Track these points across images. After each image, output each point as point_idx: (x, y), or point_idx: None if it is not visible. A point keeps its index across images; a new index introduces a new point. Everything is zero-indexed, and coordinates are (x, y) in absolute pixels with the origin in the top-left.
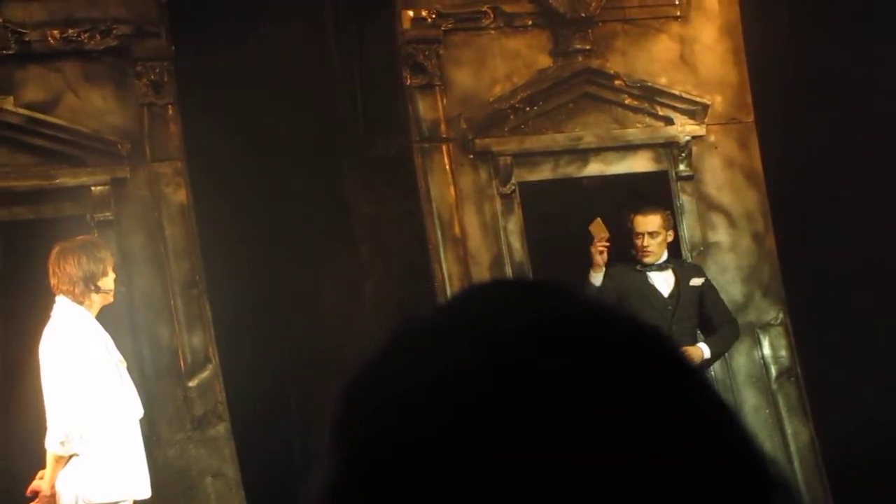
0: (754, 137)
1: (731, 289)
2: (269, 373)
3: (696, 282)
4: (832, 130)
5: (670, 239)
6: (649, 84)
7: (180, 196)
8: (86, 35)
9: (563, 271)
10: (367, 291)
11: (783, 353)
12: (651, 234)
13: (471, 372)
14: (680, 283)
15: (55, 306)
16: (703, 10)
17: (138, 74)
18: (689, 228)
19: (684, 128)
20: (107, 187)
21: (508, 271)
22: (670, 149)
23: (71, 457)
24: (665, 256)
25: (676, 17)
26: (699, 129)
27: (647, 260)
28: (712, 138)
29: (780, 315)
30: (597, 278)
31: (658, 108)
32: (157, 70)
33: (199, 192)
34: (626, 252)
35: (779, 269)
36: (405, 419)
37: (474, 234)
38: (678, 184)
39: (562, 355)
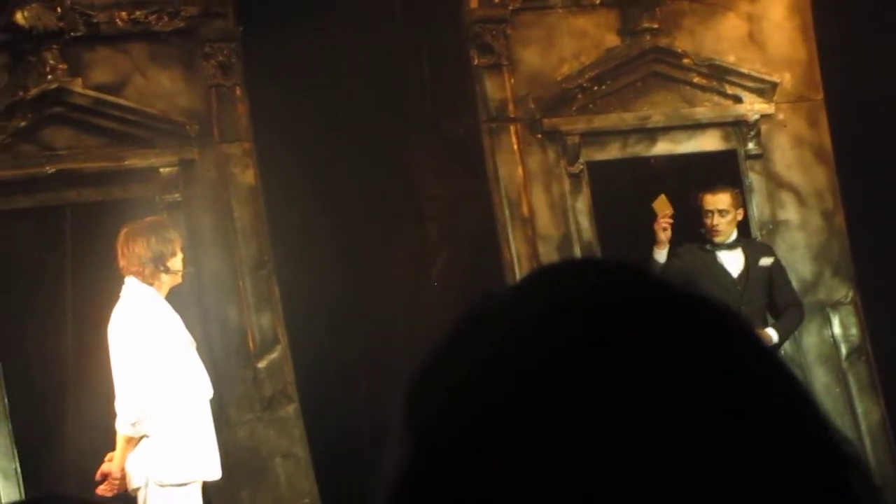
0: (823, 115)
1: (800, 267)
2: (337, 353)
3: (766, 262)
4: None
5: (740, 217)
6: (717, 62)
7: (248, 177)
8: (153, 17)
9: (631, 250)
10: (436, 271)
11: (853, 331)
12: (720, 212)
13: (541, 355)
14: (749, 263)
15: (124, 287)
16: None
17: (206, 56)
18: (758, 207)
19: (753, 106)
20: (175, 169)
21: (577, 251)
22: (739, 127)
23: (141, 438)
24: (735, 235)
25: None
26: (768, 108)
27: (717, 239)
28: (781, 116)
29: (850, 293)
30: (661, 255)
31: (726, 86)
32: (225, 51)
33: (267, 173)
34: (695, 231)
35: (848, 247)
36: (476, 404)
37: (542, 213)
38: (747, 162)
39: (634, 336)
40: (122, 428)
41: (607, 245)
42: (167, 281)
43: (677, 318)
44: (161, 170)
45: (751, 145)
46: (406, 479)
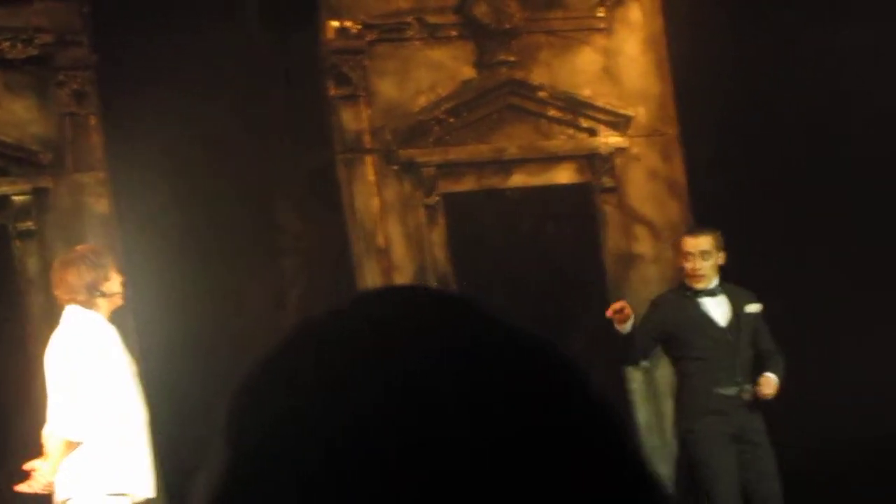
0: (677, 149)
1: None
2: (192, 385)
3: (753, 308)
4: (756, 142)
5: (721, 262)
6: (573, 96)
7: (102, 206)
8: (7, 44)
9: (487, 281)
10: (292, 304)
11: None
12: (703, 254)
13: (356, 384)
14: (736, 310)
15: (64, 314)
16: (627, 23)
17: (60, 84)
18: (611, 240)
19: (607, 140)
20: (28, 197)
21: (432, 282)
22: (593, 160)
23: (78, 444)
24: (716, 281)
25: (600, 29)
26: (622, 141)
27: (699, 285)
28: (635, 150)
29: None
30: (625, 327)
31: (581, 119)
32: (79, 79)
33: (123, 203)
34: (675, 278)
35: None
36: (290, 431)
37: (398, 244)
38: (601, 195)
39: (451, 370)
40: (63, 431)
41: (463, 277)
42: (105, 305)
43: (498, 355)
44: (14, 198)
45: (605, 178)
46: (219, 491)
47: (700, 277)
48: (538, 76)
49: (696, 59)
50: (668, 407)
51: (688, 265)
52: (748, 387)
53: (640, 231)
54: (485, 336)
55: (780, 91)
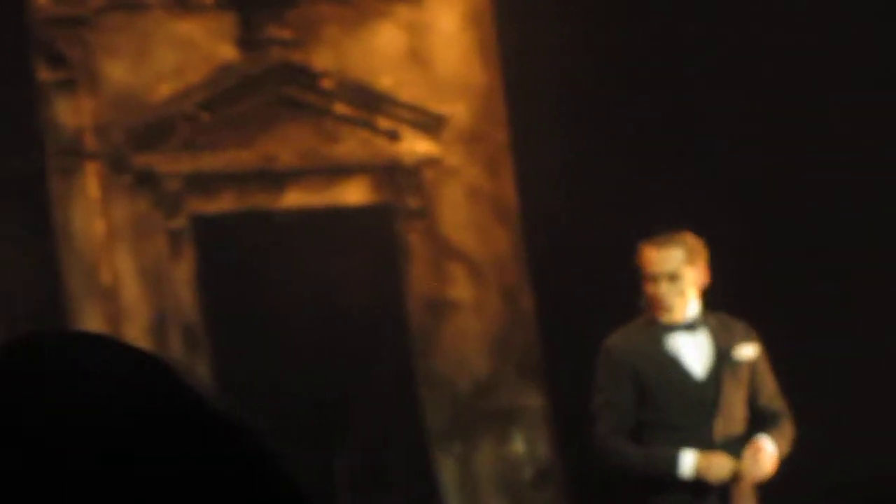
0: (508, 161)
1: (474, 363)
2: None
3: (747, 352)
4: (608, 153)
5: (702, 282)
6: (368, 87)
7: None
8: None
9: (248, 333)
10: None
11: (541, 448)
12: (670, 277)
13: None
14: (721, 353)
15: None
16: None
17: None
18: (418, 281)
19: (414, 147)
20: None
21: (175, 333)
22: (395, 174)
23: None
24: (695, 310)
25: None
26: (434, 150)
27: (664, 318)
28: (452, 161)
29: (539, 399)
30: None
31: (379, 119)
32: None
33: None
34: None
35: (538, 336)
36: None
37: (130, 283)
38: (405, 221)
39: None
40: None
41: (216, 326)
42: None
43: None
44: None
45: (410, 198)
46: None
47: (665, 308)
48: (322, 60)
49: (533, 41)
50: None
51: (649, 290)
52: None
53: (456, 269)
54: (164, 407)
55: (641, 81)
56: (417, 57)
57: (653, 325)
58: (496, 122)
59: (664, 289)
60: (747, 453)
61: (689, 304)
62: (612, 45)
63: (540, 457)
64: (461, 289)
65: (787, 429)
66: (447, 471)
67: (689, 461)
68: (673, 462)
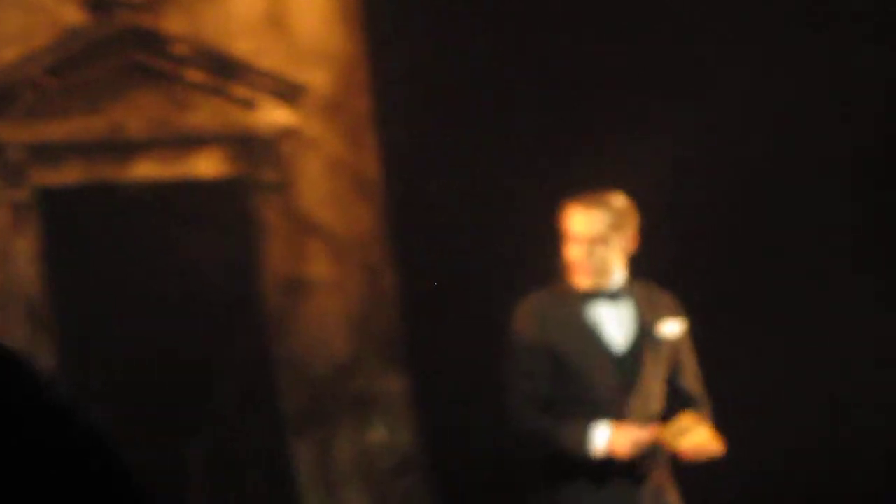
0: (371, 133)
1: (334, 345)
2: None
3: (672, 328)
4: (475, 124)
5: (630, 249)
6: (223, 53)
7: None
8: None
9: (95, 311)
10: None
11: (404, 435)
12: (592, 241)
13: None
14: (644, 326)
15: None
16: None
17: None
18: (275, 259)
19: (271, 116)
20: None
21: (18, 312)
22: (251, 146)
23: None
24: (620, 277)
25: None
26: (293, 120)
27: (584, 285)
28: (311, 132)
29: (401, 382)
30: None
31: (234, 87)
32: None
33: None
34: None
35: (400, 317)
36: None
37: None
38: (261, 195)
39: None
40: None
41: (61, 303)
42: None
43: None
44: None
45: (267, 171)
46: None
47: (585, 273)
48: (174, 24)
49: (397, 6)
50: (351, 498)
51: (570, 253)
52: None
53: (315, 246)
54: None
55: (509, 48)
56: (276, 22)
57: (572, 292)
58: (358, 90)
59: (587, 253)
60: (677, 428)
61: (613, 271)
62: (479, 12)
63: (401, 444)
64: (320, 267)
65: (707, 415)
66: (304, 458)
67: (601, 435)
68: (584, 437)
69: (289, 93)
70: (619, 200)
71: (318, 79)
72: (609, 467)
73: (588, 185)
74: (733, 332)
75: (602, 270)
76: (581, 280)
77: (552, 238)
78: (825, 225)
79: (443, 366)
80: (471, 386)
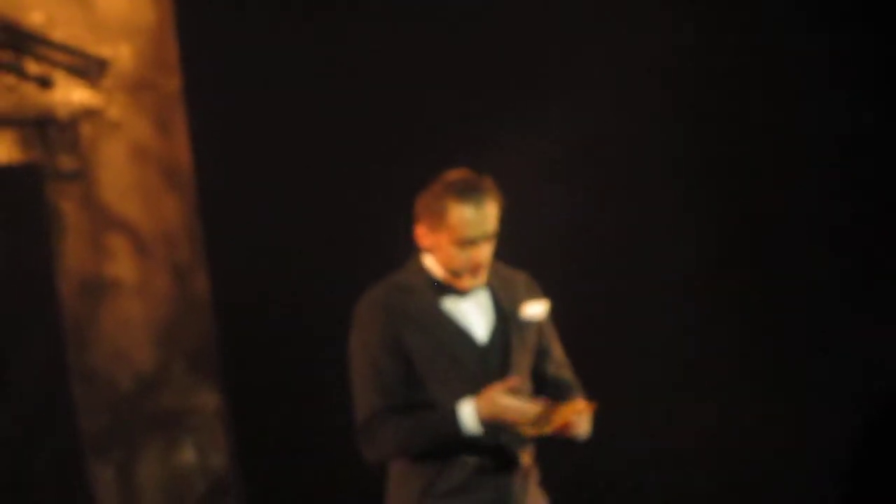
0: (181, 114)
1: (137, 355)
2: None
3: (536, 310)
4: (297, 107)
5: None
6: (14, 24)
7: None
8: None
9: None
10: None
11: (216, 457)
12: (489, 239)
13: None
14: (505, 313)
15: None
16: None
17: None
18: (72, 256)
19: (69, 96)
20: None
21: None
22: (45, 128)
23: None
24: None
25: None
26: (93, 100)
27: (469, 285)
28: (114, 114)
29: (213, 398)
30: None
31: (27, 62)
32: None
33: None
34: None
35: (213, 325)
36: None
37: None
38: (57, 185)
39: None
40: None
41: None
42: None
43: None
44: None
45: (64, 158)
46: None
47: (481, 277)
48: None
49: None
50: None
51: (462, 258)
52: (521, 443)
53: (118, 243)
54: None
55: (334, 22)
56: None
57: (420, 283)
58: (167, 67)
59: (485, 254)
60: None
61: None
62: None
63: (214, 466)
64: (123, 266)
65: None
66: (104, 481)
67: (468, 409)
68: (453, 416)
69: (89, 69)
70: (495, 186)
71: (121, 53)
72: (477, 450)
73: (429, 177)
74: (597, 327)
75: (485, 273)
76: (467, 283)
77: (387, 236)
78: (688, 225)
79: (260, 380)
80: (292, 402)
